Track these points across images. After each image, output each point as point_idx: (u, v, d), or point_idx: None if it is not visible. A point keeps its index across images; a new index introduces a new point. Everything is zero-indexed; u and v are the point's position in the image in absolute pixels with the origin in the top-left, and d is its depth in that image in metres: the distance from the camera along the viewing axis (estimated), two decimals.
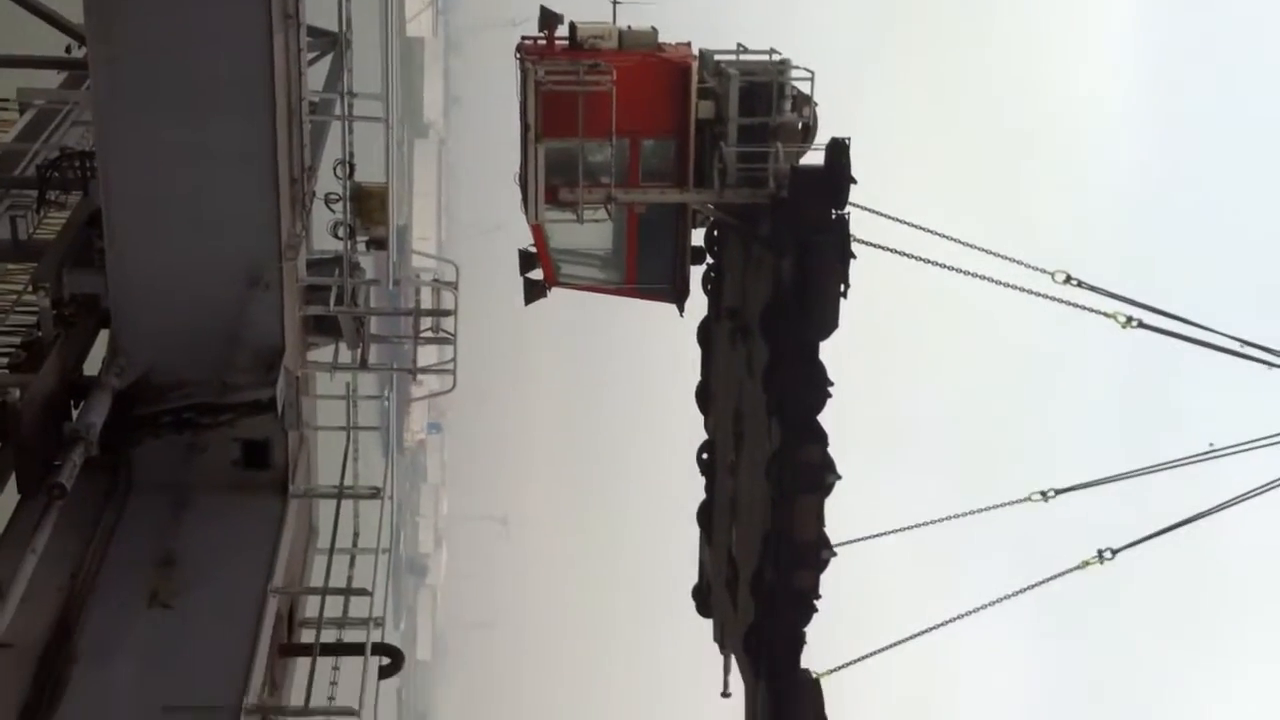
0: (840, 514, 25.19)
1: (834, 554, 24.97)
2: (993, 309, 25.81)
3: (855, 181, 24.17)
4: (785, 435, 24.55)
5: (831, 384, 24.52)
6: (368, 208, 23.76)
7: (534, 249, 27.47)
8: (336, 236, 23.13)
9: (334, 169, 22.89)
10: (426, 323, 24.35)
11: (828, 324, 24.27)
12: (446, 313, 24.34)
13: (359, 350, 24.28)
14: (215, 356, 21.20)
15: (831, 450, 24.70)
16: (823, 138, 25.41)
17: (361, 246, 24.09)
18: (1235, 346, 25.36)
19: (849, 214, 24.32)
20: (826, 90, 25.49)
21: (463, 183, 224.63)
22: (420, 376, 26.54)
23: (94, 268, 21.68)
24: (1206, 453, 26.02)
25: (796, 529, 24.60)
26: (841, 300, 24.26)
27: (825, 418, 24.64)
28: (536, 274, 27.81)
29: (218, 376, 21.21)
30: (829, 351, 24.66)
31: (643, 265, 27.76)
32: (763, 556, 25.43)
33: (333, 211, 23.19)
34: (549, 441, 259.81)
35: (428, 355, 25.50)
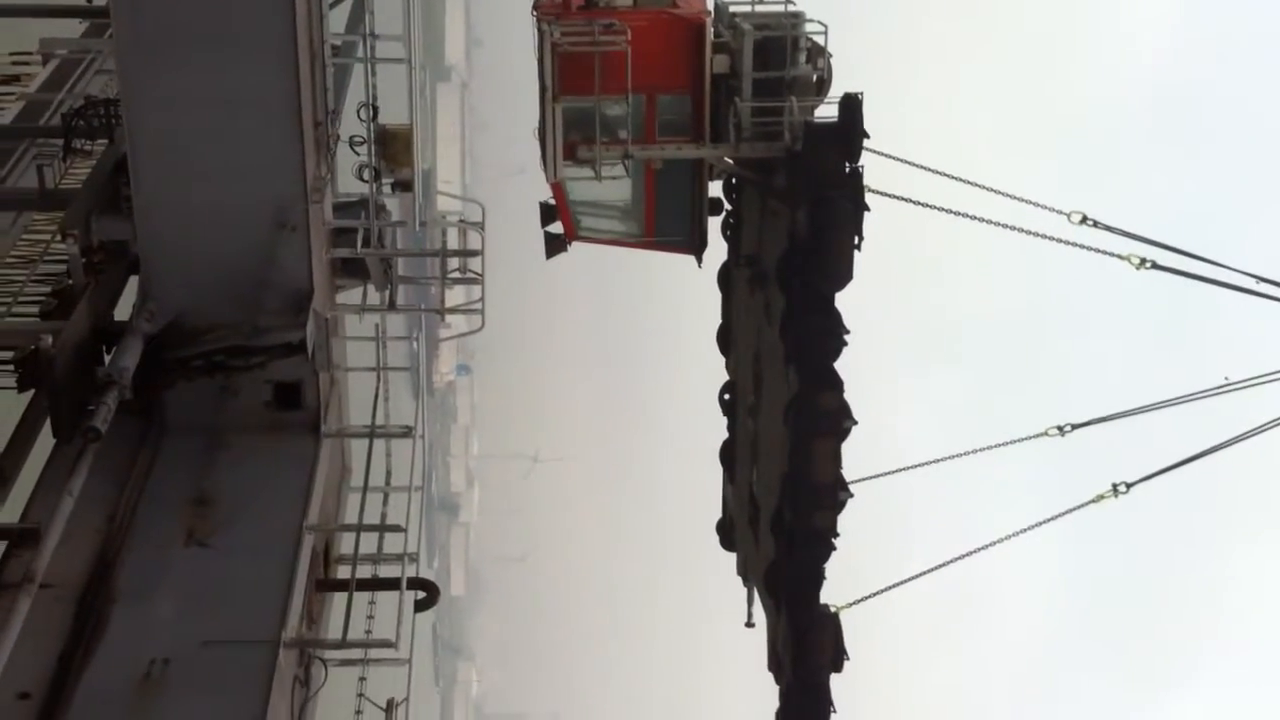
0: (866, 445, 25.43)
1: (851, 495, 25.23)
2: (1010, 246, 25.84)
3: (868, 136, 24.32)
4: (802, 382, 24.81)
5: (848, 331, 24.69)
6: (392, 150, 23.87)
7: (554, 203, 27.69)
8: (362, 179, 23.26)
9: (357, 112, 22.98)
10: (454, 263, 24.49)
11: (842, 276, 24.47)
12: (473, 253, 24.45)
13: (387, 291, 24.45)
14: (244, 300, 21.39)
15: (857, 377, 24.93)
16: (838, 80, 25.56)
17: (387, 189, 24.22)
18: (1250, 284, 25.30)
19: (863, 167, 24.48)
20: (839, 27, 25.50)
21: (486, 125, 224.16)
22: (448, 317, 26.66)
23: (121, 214, 21.86)
24: (1221, 386, 26.05)
25: (814, 472, 24.90)
26: (856, 252, 24.43)
27: (842, 362, 24.89)
28: (556, 228, 28.03)
29: (248, 320, 21.41)
30: (849, 294, 24.83)
31: (661, 218, 27.95)
32: (782, 497, 25.80)
33: (357, 154, 23.31)
34: (577, 380, 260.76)
35: (455, 296, 25.66)
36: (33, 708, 16.81)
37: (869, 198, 24.65)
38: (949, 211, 25.75)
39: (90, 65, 31.04)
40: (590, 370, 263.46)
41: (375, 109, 22.77)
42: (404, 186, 24.43)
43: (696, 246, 28.37)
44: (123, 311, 22.05)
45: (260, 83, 20.61)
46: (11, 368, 20.25)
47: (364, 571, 22.35)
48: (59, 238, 23.29)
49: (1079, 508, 26.99)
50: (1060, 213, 25.65)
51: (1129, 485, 26.63)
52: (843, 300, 24.92)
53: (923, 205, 25.59)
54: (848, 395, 24.86)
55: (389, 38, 22.22)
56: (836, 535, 25.29)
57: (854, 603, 26.37)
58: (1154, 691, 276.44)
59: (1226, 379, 25.98)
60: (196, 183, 21.03)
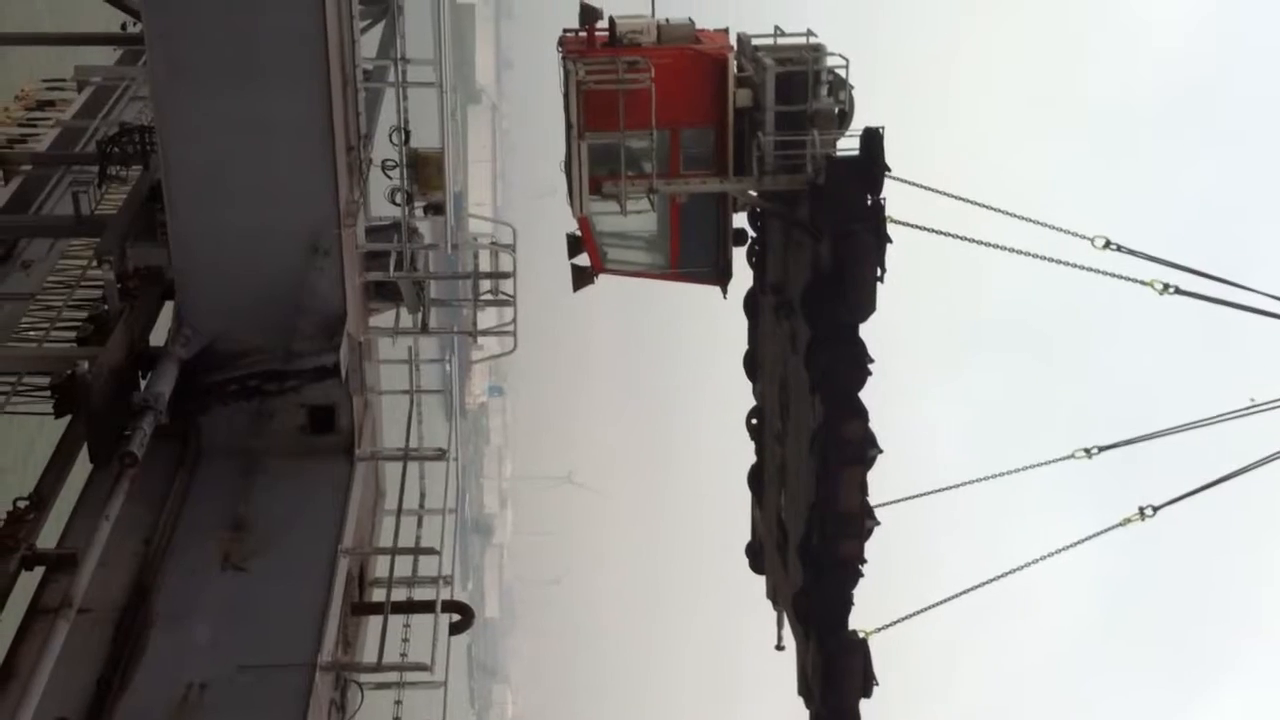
0: (896, 454, 25.52)
1: (878, 523, 25.56)
2: (1033, 265, 26.12)
3: (889, 170, 24.62)
4: (828, 412, 25.03)
5: (872, 361, 24.95)
6: (425, 174, 23.97)
7: (581, 235, 27.93)
8: (394, 203, 23.35)
9: (389, 136, 23.09)
10: (486, 285, 24.56)
11: (865, 307, 24.77)
12: (505, 275, 24.54)
13: (420, 314, 24.53)
14: (279, 324, 21.45)
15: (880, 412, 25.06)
16: (861, 103, 25.90)
17: (419, 212, 24.31)
18: (1275, 307, 25.32)
19: (884, 200, 24.79)
20: (861, 42, 25.70)
21: (516, 147, 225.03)
22: (481, 339, 26.77)
23: (156, 240, 21.99)
24: (1247, 408, 26.04)
25: (840, 501, 25.19)
26: (879, 284, 24.70)
27: (867, 393, 25.16)
28: (583, 260, 28.26)
29: (282, 344, 21.46)
30: (879, 317, 24.96)
31: (686, 250, 28.35)
32: (809, 525, 26.01)
33: (390, 178, 23.42)
34: (610, 400, 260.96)
35: (488, 318, 25.73)
36: None
37: (891, 228, 24.84)
38: (970, 240, 26.09)
39: (125, 92, 31.26)
40: (623, 390, 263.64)
41: (407, 133, 22.88)
42: (436, 209, 24.52)
43: (721, 278, 28.75)
44: (158, 337, 22.15)
45: (293, 108, 20.71)
46: (49, 393, 20.39)
47: (399, 594, 22.34)
48: (95, 264, 23.46)
49: (1105, 531, 27.19)
50: (1084, 237, 25.79)
51: (1155, 509, 26.63)
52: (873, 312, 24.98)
53: (945, 235, 25.93)
54: (880, 401, 24.94)
55: (420, 62, 22.33)
56: (864, 562, 25.58)
57: (882, 628, 26.53)
58: (1191, 692, 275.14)
59: (1252, 400, 26.03)
60: (230, 208, 21.14)
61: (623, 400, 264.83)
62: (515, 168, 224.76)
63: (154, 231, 22.13)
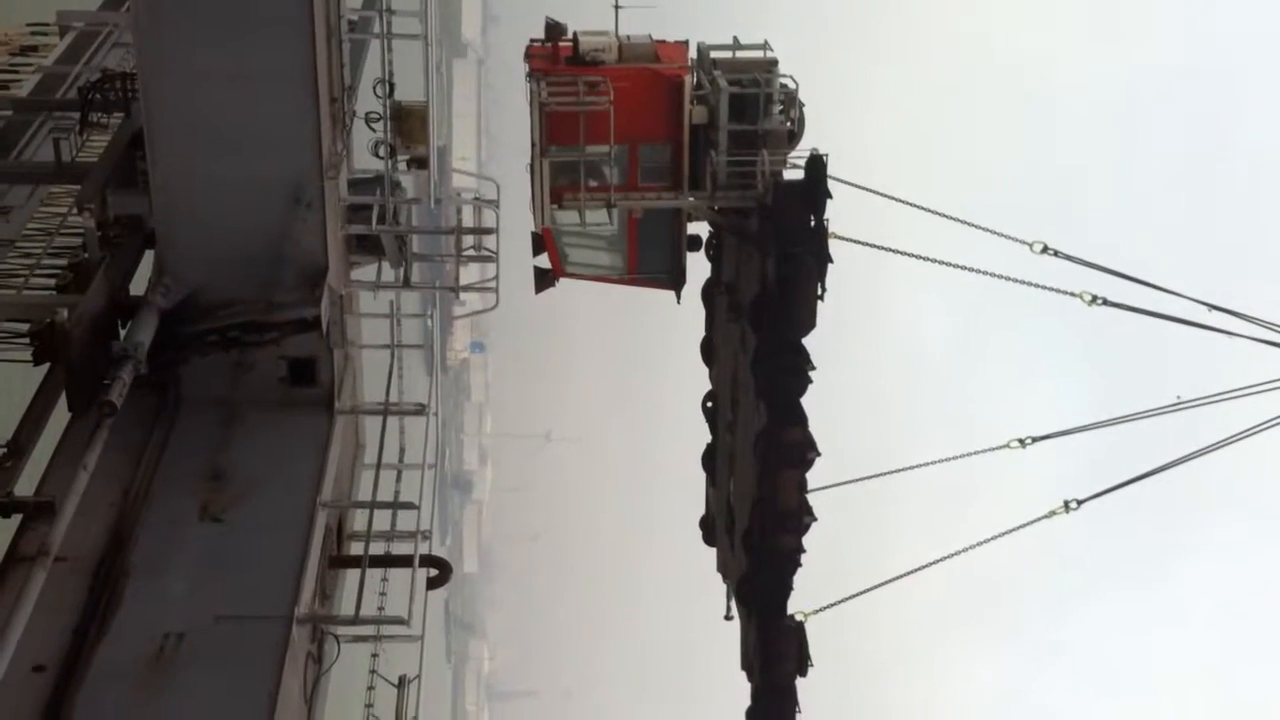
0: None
1: (815, 519, 26.76)
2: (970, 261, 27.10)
3: (831, 196, 25.71)
4: (770, 417, 26.20)
5: (813, 368, 26.10)
6: (408, 127, 23.88)
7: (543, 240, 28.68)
8: (378, 156, 23.23)
9: (374, 88, 22.95)
10: (469, 241, 24.50)
11: (806, 323, 26.05)
12: (488, 231, 24.48)
13: (402, 269, 24.46)
14: (260, 275, 21.39)
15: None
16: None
17: (402, 165, 24.21)
18: (1202, 313, 26.14)
19: (828, 221, 25.85)
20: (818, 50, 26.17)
21: (501, 102, 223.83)
22: (463, 295, 26.79)
23: (137, 189, 21.89)
24: (1174, 405, 27.05)
25: (781, 499, 26.50)
26: (819, 301, 25.96)
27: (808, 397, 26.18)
28: (545, 261, 29.13)
29: (263, 295, 21.41)
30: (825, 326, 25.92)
31: (643, 257, 29.36)
32: (752, 518, 27.23)
33: (373, 130, 23.29)
34: (591, 358, 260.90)
35: (470, 273, 25.69)
36: (47, 681, 16.89)
37: (834, 246, 25.89)
38: (910, 255, 27.18)
39: (107, 38, 31.02)
40: (605, 350, 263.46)
41: (391, 85, 22.74)
42: (419, 163, 24.44)
43: (676, 283, 29.80)
44: (138, 286, 22.06)
45: (277, 58, 20.57)
46: (28, 341, 20.33)
47: (377, 548, 22.37)
48: (75, 211, 23.31)
49: (1032, 523, 28.32)
50: (1022, 242, 26.38)
51: (1080, 502, 27.54)
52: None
53: (885, 249, 27.09)
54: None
55: (405, 13, 22.19)
56: (802, 552, 26.98)
57: (818, 610, 27.75)
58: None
59: (1179, 398, 27.20)
60: (213, 157, 21.02)
61: (605, 358, 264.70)
62: (500, 123, 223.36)
63: (135, 180, 22.01)
